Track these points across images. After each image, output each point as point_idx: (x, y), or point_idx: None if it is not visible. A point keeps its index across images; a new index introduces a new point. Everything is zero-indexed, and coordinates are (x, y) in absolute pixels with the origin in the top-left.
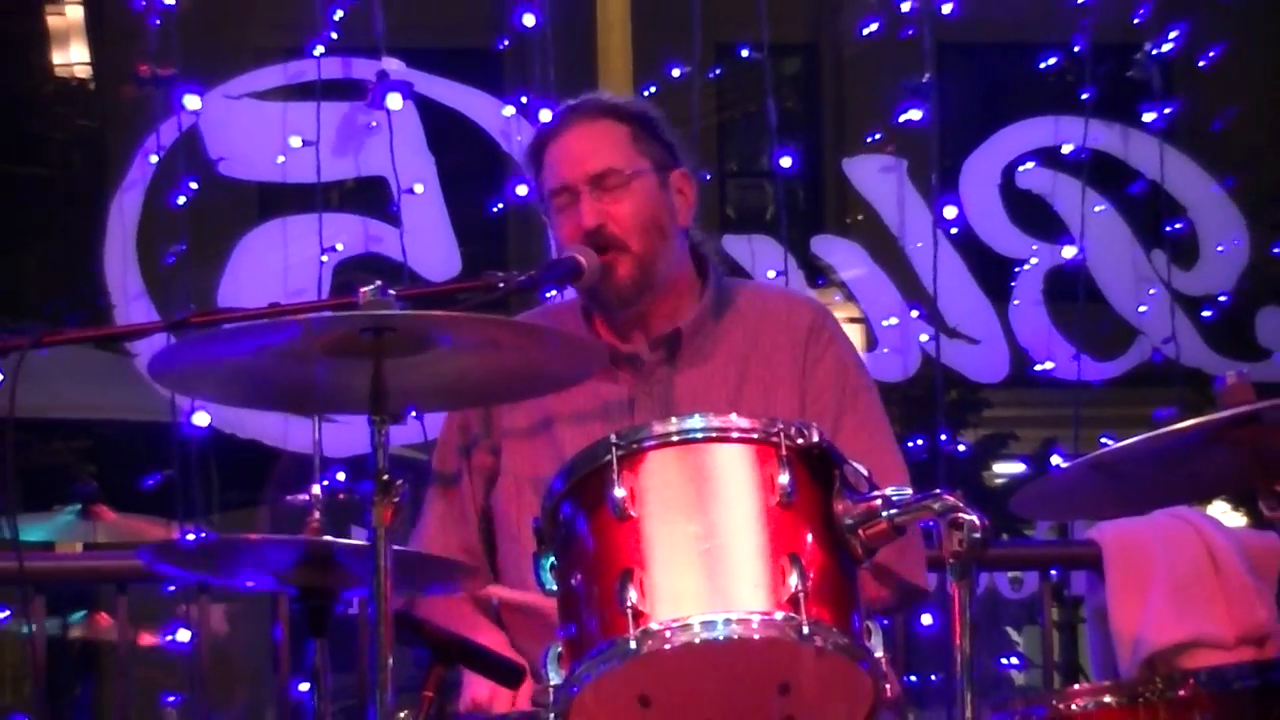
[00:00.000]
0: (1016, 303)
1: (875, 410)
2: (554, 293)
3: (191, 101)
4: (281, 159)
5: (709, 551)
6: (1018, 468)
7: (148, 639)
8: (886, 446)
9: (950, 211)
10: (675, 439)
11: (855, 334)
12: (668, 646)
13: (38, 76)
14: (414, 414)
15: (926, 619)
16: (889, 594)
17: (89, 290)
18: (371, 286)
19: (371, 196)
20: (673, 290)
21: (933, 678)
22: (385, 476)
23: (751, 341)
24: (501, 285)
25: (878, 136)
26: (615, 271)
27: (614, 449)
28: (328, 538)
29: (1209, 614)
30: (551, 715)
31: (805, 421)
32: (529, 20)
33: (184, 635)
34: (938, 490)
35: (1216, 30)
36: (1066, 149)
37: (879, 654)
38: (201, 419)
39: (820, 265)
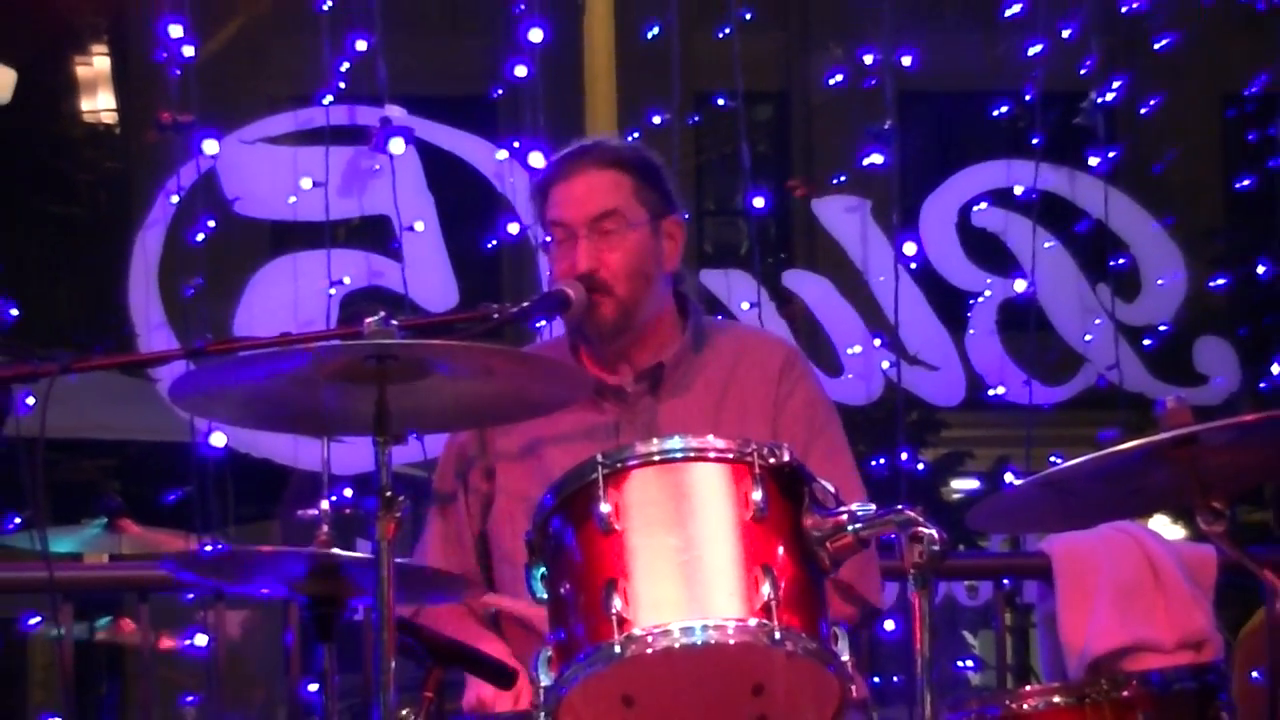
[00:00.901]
0: (972, 332)
1: (840, 440)
2: (543, 323)
3: (209, 146)
4: (292, 199)
5: (687, 563)
6: (973, 484)
7: (167, 643)
8: (850, 472)
9: (910, 248)
10: (656, 458)
11: None
12: (649, 650)
13: (67, 122)
14: (415, 435)
15: (889, 625)
16: (854, 611)
17: (114, 320)
18: (375, 317)
19: (375, 234)
20: (655, 328)
21: (895, 679)
22: (388, 493)
23: (729, 375)
24: (496, 315)
25: (843, 178)
26: (599, 310)
27: (600, 467)
28: (335, 550)
29: (1150, 620)
30: (542, 714)
31: (777, 442)
32: (521, 71)
33: (202, 640)
34: (899, 506)
35: (1156, 80)
36: (1018, 190)
37: (845, 657)
38: (218, 439)
39: (791, 297)
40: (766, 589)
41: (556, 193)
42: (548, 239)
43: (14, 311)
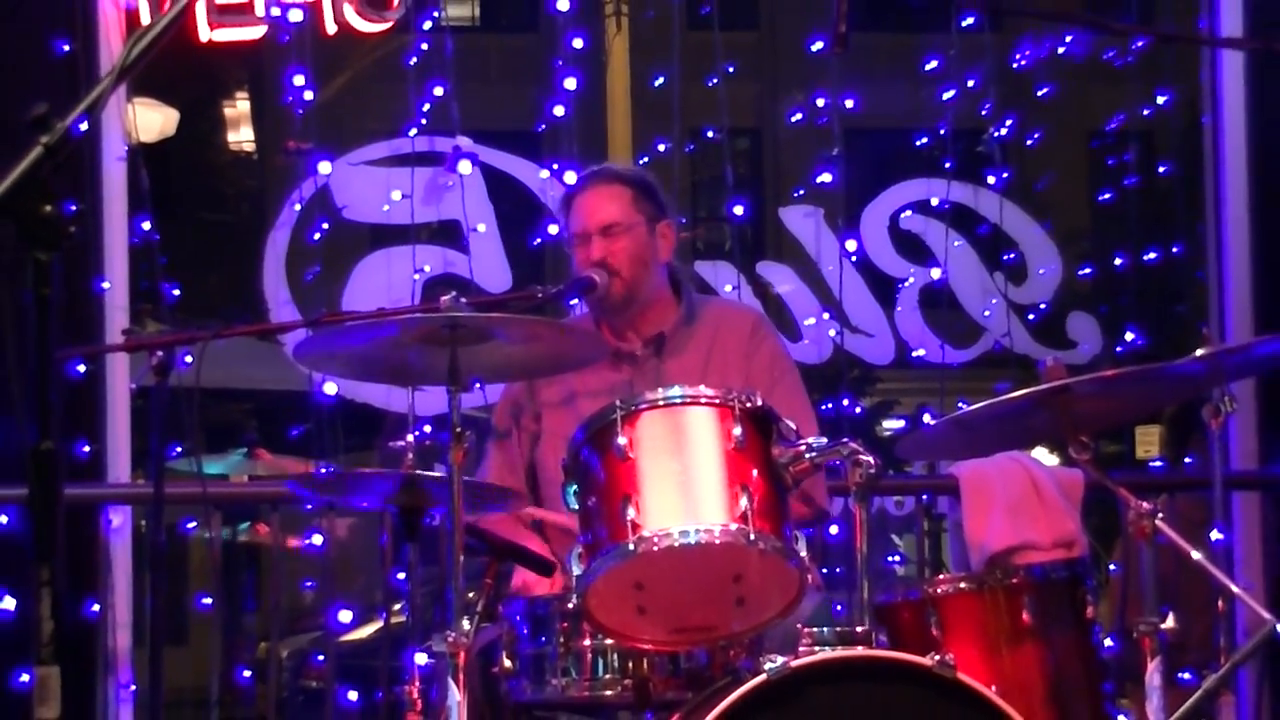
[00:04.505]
0: (899, 309)
1: (797, 385)
2: (575, 301)
3: (324, 167)
4: (386, 208)
5: (684, 482)
6: (900, 424)
7: (293, 542)
8: (804, 409)
9: (852, 245)
10: (661, 403)
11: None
12: (655, 548)
13: (218, 151)
14: (479, 385)
15: (834, 529)
16: (809, 511)
17: (252, 299)
18: (449, 296)
19: (449, 234)
20: (655, 305)
21: (838, 570)
22: (458, 429)
23: (712, 340)
24: (540, 295)
25: (801, 192)
26: (611, 287)
27: (619, 410)
28: (419, 471)
29: (1033, 526)
30: (574, 597)
31: (752, 390)
32: (559, 110)
33: (318, 540)
34: (844, 439)
35: (1038, 119)
36: (934, 201)
37: (804, 554)
38: (330, 388)
39: (763, 282)
40: (744, 502)
41: (576, 204)
42: (572, 238)
43: (176, 293)
